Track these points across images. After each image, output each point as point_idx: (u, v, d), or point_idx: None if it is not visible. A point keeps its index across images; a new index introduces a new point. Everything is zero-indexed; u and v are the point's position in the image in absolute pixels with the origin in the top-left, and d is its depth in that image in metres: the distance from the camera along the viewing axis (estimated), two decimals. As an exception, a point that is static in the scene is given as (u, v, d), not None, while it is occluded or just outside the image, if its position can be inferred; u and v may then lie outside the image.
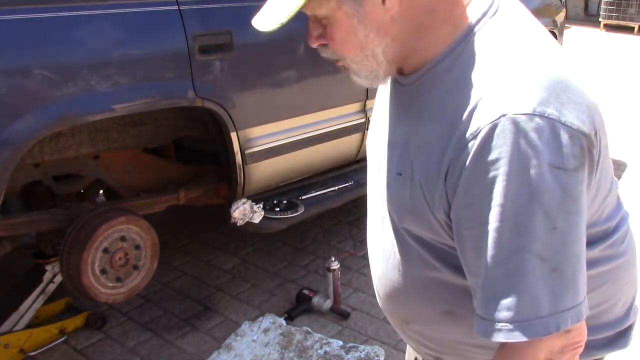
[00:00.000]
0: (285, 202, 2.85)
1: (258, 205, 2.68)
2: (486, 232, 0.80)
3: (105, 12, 2.15)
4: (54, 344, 2.58)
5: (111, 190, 2.83)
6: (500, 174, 0.77)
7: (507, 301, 0.80)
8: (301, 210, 2.86)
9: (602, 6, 10.58)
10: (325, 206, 3.02)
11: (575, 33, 9.92)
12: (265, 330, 2.58)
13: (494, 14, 0.87)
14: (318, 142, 2.88)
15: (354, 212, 3.82)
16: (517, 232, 0.78)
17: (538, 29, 0.89)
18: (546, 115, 0.77)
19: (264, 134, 2.66)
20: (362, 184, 2.87)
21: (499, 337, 0.82)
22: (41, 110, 2.02)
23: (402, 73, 0.95)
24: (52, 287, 2.52)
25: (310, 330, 2.59)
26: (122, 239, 2.36)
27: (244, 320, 2.70)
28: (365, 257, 3.31)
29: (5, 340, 2.40)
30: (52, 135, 2.19)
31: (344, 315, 2.82)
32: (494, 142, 0.77)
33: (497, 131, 0.77)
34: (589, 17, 11.15)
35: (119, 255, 2.35)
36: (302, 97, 2.81)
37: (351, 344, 2.52)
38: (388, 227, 1.01)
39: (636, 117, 5.73)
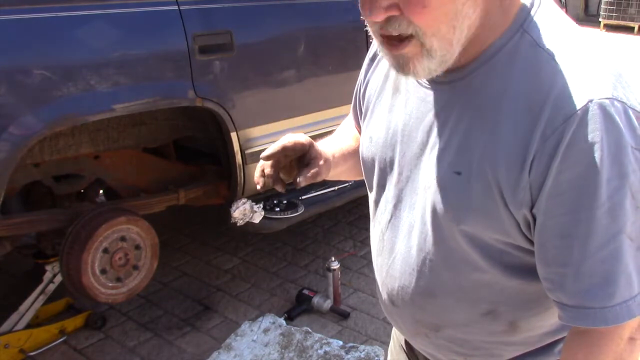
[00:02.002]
0: (285, 202, 2.85)
1: (258, 205, 2.67)
2: (581, 219, 0.79)
3: (105, 12, 2.15)
4: (54, 344, 2.58)
5: (111, 190, 2.83)
6: (595, 158, 0.77)
7: (607, 286, 0.80)
8: (301, 210, 2.86)
9: (602, 6, 10.57)
10: (325, 206, 3.02)
11: (575, 33, 9.91)
12: (265, 330, 2.58)
13: (539, 6, 0.87)
14: (318, 142, 2.87)
15: (354, 212, 3.82)
16: (613, 215, 0.79)
17: (575, 24, 0.90)
18: (619, 99, 0.79)
19: (264, 134, 2.66)
20: (361, 183, 2.87)
21: (602, 323, 0.82)
22: (41, 110, 2.02)
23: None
24: (52, 287, 2.51)
25: (310, 330, 2.59)
26: (122, 239, 2.36)
27: (244, 320, 2.70)
28: (365, 257, 3.31)
29: (5, 340, 2.40)
30: (52, 135, 2.19)
31: (344, 315, 2.82)
32: (586, 127, 0.77)
33: (589, 116, 0.77)
34: (589, 17, 11.14)
35: (119, 255, 2.35)
36: (302, 97, 2.81)
37: (351, 344, 2.52)
38: (423, 233, 0.96)
39: (636, 117, 5.73)
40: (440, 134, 0.92)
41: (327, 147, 1.13)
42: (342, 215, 3.80)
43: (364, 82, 1.13)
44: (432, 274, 0.97)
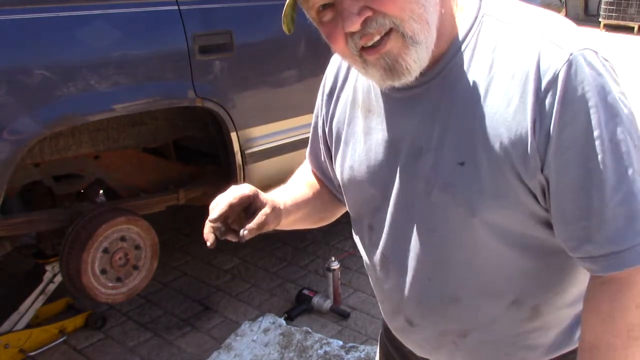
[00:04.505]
0: (285, 202, 2.84)
1: (258, 206, 2.68)
2: (592, 168, 0.82)
3: (105, 12, 2.15)
4: (54, 344, 2.58)
5: (111, 190, 2.84)
6: (589, 106, 0.80)
7: (632, 224, 0.83)
8: (301, 210, 2.85)
9: (602, 6, 10.58)
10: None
11: (575, 33, 9.91)
12: (265, 330, 2.58)
13: None
14: (318, 142, 2.87)
15: (354, 212, 3.82)
16: (617, 156, 0.81)
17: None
18: (592, 48, 0.83)
19: (264, 134, 2.66)
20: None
21: (638, 261, 0.83)
22: (41, 110, 2.02)
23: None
24: (52, 287, 2.52)
25: (310, 330, 2.59)
26: (122, 239, 2.36)
27: (244, 320, 2.71)
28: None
29: (5, 340, 2.40)
30: (52, 135, 2.19)
31: (344, 315, 2.82)
32: (574, 79, 0.81)
33: (573, 69, 0.81)
34: (589, 17, 11.14)
35: (119, 255, 2.35)
36: (302, 97, 2.80)
37: (351, 344, 2.52)
38: (433, 241, 0.95)
39: (636, 117, 5.72)
40: (430, 135, 0.92)
41: (278, 197, 1.09)
42: (342, 215, 3.79)
43: (327, 118, 1.11)
44: (452, 278, 0.96)
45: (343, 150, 1.07)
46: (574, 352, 0.99)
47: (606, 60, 0.84)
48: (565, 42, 0.83)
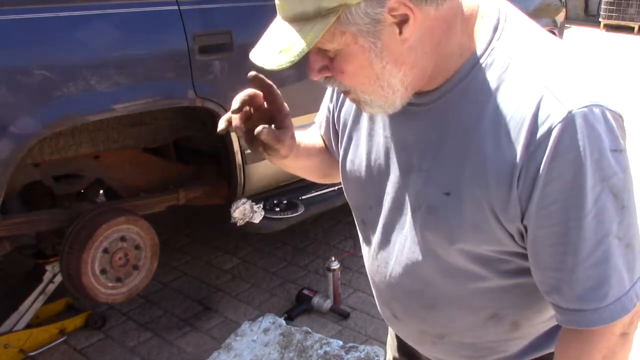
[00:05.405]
0: (285, 202, 2.85)
1: (258, 205, 2.68)
2: (571, 227, 0.81)
3: (105, 12, 2.15)
4: (54, 344, 2.58)
5: (111, 190, 2.83)
6: (579, 168, 0.78)
7: (601, 287, 0.83)
8: (301, 210, 2.86)
9: (602, 6, 10.57)
10: (325, 206, 3.02)
11: (575, 33, 9.92)
12: (265, 330, 2.58)
13: (505, 21, 0.87)
14: (318, 142, 2.87)
15: (354, 212, 3.81)
16: (599, 220, 0.80)
17: (543, 31, 0.90)
18: (598, 103, 0.80)
19: (264, 134, 2.65)
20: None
21: (599, 323, 0.84)
22: (41, 110, 2.02)
23: (418, 92, 0.90)
24: (52, 287, 2.52)
25: (310, 330, 2.59)
26: (122, 239, 2.36)
27: (244, 320, 2.70)
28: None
29: (5, 340, 2.40)
30: (52, 135, 2.19)
31: (344, 315, 2.82)
32: (568, 139, 0.78)
33: (569, 127, 0.78)
34: (589, 17, 11.14)
35: (119, 255, 2.35)
36: (302, 97, 2.80)
37: (351, 344, 2.52)
38: (416, 252, 0.96)
39: (636, 117, 5.73)
40: (423, 156, 0.92)
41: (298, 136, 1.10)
42: (342, 215, 3.80)
43: (337, 106, 1.12)
44: (430, 288, 0.98)
45: (346, 143, 1.08)
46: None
47: (612, 114, 0.80)
48: (567, 96, 0.79)
